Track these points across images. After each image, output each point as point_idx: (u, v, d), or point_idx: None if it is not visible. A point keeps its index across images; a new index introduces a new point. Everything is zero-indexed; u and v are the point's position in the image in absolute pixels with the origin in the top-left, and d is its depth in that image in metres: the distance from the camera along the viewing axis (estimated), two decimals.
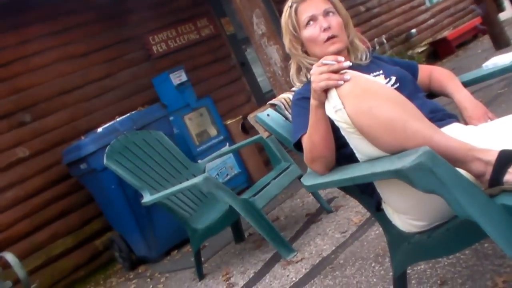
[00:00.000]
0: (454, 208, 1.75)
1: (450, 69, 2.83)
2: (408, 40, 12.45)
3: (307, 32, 2.55)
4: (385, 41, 11.60)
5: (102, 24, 7.32)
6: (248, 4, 5.22)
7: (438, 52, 12.47)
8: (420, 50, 12.28)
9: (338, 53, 2.44)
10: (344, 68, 1.97)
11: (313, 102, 2.10)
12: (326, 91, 1.99)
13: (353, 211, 4.43)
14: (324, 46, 2.52)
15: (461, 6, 14.47)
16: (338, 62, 1.98)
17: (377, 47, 11.23)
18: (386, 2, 12.50)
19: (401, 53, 11.58)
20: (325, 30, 2.50)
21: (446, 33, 12.92)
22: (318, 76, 1.99)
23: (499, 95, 6.19)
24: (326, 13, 2.54)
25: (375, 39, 11.41)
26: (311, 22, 2.54)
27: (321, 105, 2.04)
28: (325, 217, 4.70)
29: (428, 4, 13.90)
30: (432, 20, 13.51)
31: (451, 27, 13.66)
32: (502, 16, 13.13)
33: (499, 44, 9.61)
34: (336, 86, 1.94)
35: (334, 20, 2.54)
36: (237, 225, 5.07)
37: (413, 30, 12.63)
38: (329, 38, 2.51)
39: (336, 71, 1.96)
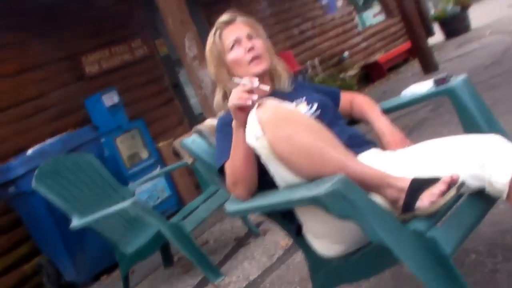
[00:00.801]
0: (367, 233, 1.82)
1: (381, 92, 2.93)
2: (340, 63, 12.64)
3: (232, 55, 2.62)
4: (317, 64, 11.74)
5: (35, 43, 7.22)
6: (180, 26, 5.24)
7: (370, 75, 12.73)
8: (352, 73, 12.51)
9: (262, 74, 2.54)
10: (256, 88, 2.06)
11: (234, 123, 2.17)
12: (246, 116, 2.05)
13: (280, 235, 4.48)
14: (249, 67, 2.60)
15: (392, 30, 14.79)
16: (252, 82, 2.06)
17: (310, 70, 11.36)
18: (319, 25, 12.67)
19: (334, 76, 11.77)
20: (249, 50, 2.59)
21: (377, 57, 13.20)
22: (232, 95, 2.09)
23: (425, 120, 6.36)
24: (249, 37, 2.62)
25: (308, 62, 11.57)
26: (236, 45, 2.61)
27: (241, 125, 2.11)
28: (253, 241, 4.76)
29: (360, 27, 14.15)
30: (365, 44, 13.77)
31: (382, 50, 13.93)
32: (432, 40, 13.46)
33: (428, 68, 9.85)
34: (245, 105, 2.03)
35: (258, 42, 2.62)
36: (166, 249, 5.07)
37: (346, 53, 12.84)
38: (253, 59, 2.58)
39: (249, 91, 2.03)
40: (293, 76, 2.87)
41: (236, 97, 2.07)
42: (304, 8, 12.37)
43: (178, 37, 5.25)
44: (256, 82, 2.09)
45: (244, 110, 2.09)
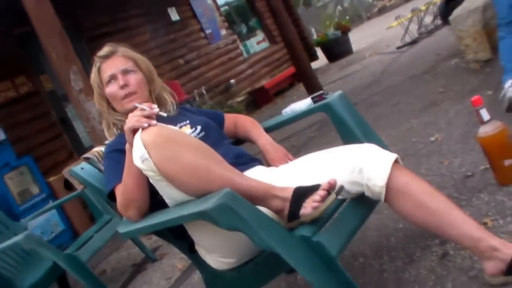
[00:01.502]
0: (256, 242, 1.92)
1: (268, 116, 3.06)
2: (227, 90, 12.80)
3: (108, 90, 2.69)
4: (204, 92, 11.86)
5: None
6: (64, 61, 5.23)
7: (257, 100, 12.89)
8: (239, 99, 12.67)
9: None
10: (155, 113, 2.13)
11: (127, 145, 2.23)
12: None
13: (178, 258, 4.55)
14: (123, 102, 2.66)
15: (276, 56, 15.07)
16: (151, 108, 2.13)
17: (197, 99, 11.45)
18: (204, 55, 12.81)
19: (221, 103, 11.89)
20: (122, 87, 2.64)
21: (263, 82, 13.41)
22: (129, 118, 2.14)
23: (311, 139, 6.57)
24: (125, 72, 2.68)
25: (195, 91, 11.67)
26: (112, 81, 2.68)
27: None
28: (150, 266, 4.80)
29: (245, 55, 14.35)
30: (250, 71, 13.99)
31: (268, 76, 14.17)
32: (316, 64, 13.82)
33: (313, 91, 10.03)
34: (142, 128, 2.08)
35: (133, 78, 2.68)
36: (63, 281, 5.02)
37: (232, 81, 13.02)
38: (126, 95, 2.65)
39: (147, 116, 2.10)
40: (178, 103, 2.94)
41: (133, 120, 2.12)
42: (188, 38, 12.50)
43: (63, 71, 5.23)
44: (155, 108, 2.16)
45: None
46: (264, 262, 2.25)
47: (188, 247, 2.60)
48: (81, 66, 5.33)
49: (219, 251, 2.36)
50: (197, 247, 2.53)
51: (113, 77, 2.67)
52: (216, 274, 2.49)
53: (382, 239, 3.04)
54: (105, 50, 2.74)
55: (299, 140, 6.69)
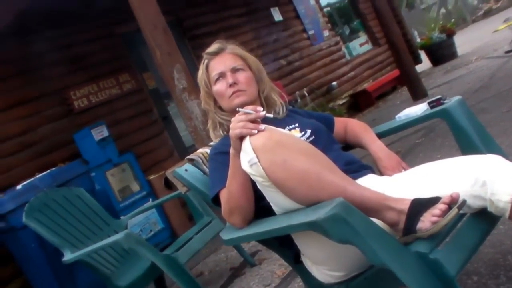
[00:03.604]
0: (369, 256, 1.78)
1: (371, 120, 2.93)
2: (329, 92, 12.67)
3: (216, 88, 2.63)
4: (306, 94, 11.76)
5: (21, 78, 7.18)
6: (168, 59, 5.23)
7: (359, 103, 12.75)
8: (341, 102, 12.53)
9: (243, 105, 2.47)
10: (261, 117, 2.01)
11: (232, 151, 2.13)
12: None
13: (277, 264, 4.45)
14: (230, 100, 2.59)
15: (379, 58, 14.87)
16: (256, 111, 2.01)
17: (299, 100, 11.37)
18: (307, 56, 12.72)
19: (323, 105, 11.78)
20: (231, 86, 2.58)
21: (366, 85, 13.26)
22: (235, 124, 2.04)
23: (417, 145, 6.36)
24: (234, 70, 2.62)
25: (297, 92, 11.58)
26: (220, 78, 2.62)
27: (239, 154, 2.05)
28: (248, 271, 4.71)
29: (348, 57, 14.21)
30: (352, 73, 13.83)
31: (370, 79, 14.01)
32: (419, 68, 13.52)
33: (417, 95, 9.88)
34: (250, 135, 1.97)
35: (242, 76, 2.61)
36: (161, 282, 5.00)
37: (334, 83, 12.86)
38: (233, 93, 2.57)
39: (253, 121, 1.99)
40: (287, 104, 2.85)
41: (240, 126, 2.02)
42: (291, 39, 12.43)
43: (166, 69, 5.23)
44: (262, 111, 2.05)
45: (244, 138, 2.05)
46: (374, 278, 2.11)
47: (293, 256, 2.49)
48: (185, 64, 5.30)
49: (327, 263, 2.23)
50: (303, 258, 2.42)
51: (221, 75, 2.62)
52: (322, 287, 2.36)
53: (498, 257, 2.85)
54: (214, 47, 2.68)
55: (404, 147, 6.48)
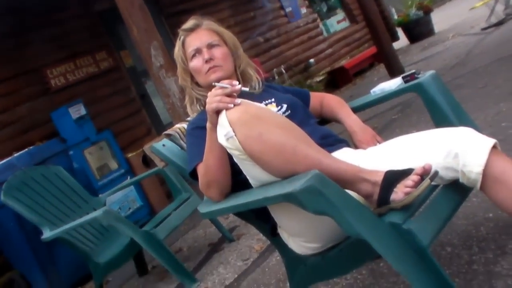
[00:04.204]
0: (344, 227, 1.80)
1: (348, 97, 2.96)
2: (306, 69, 12.69)
3: (192, 64, 2.64)
4: (284, 71, 11.77)
5: None
6: (145, 36, 5.22)
7: (336, 80, 12.78)
8: (318, 79, 12.56)
9: (219, 80, 2.48)
10: (237, 91, 2.02)
11: (208, 125, 2.14)
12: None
13: (255, 239, 4.48)
14: (206, 75, 2.61)
15: (357, 35, 14.89)
16: (232, 85, 2.03)
17: (276, 77, 11.37)
18: (284, 33, 12.72)
19: (300, 82, 11.80)
20: (207, 61, 2.59)
21: (343, 62, 13.29)
22: (211, 98, 2.05)
23: (393, 121, 6.39)
24: (210, 46, 2.63)
25: (274, 69, 11.59)
26: (196, 54, 2.63)
27: (215, 128, 2.07)
28: (227, 246, 4.74)
29: (325, 34, 14.21)
30: (330, 50, 13.85)
31: (348, 56, 14.03)
32: (396, 45, 13.55)
33: (394, 72, 9.90)
34: (227, 109, 1.99)
35: (218, 52, 2.63)
36: (140, 258, 5.03)
37: (312, 60, 12.90)
38: (210, 69, 2.59)
39: (229, 95, 2.01)
40: (263, 79, 2.87)
41: (216, 100, 2.02)
42: (268, 16, 12.38)
43: (143, 46, 5.23)
44: (237, 85, 2.06)
45: (220, 112, 2.07)
46: (350, 249, 2.14)
47: (270, 229, 2.52)
48: (162, 41, 5.29)
49: (303, 235, 2.26)
50: (279, 230, 2.45)
51: (198, 51, 2.62)
52: (298, 259, 2.40)
53: (471, 229, 2.89)
54: (190, 23, 2.69)
55: (380, 122, 6.52)
